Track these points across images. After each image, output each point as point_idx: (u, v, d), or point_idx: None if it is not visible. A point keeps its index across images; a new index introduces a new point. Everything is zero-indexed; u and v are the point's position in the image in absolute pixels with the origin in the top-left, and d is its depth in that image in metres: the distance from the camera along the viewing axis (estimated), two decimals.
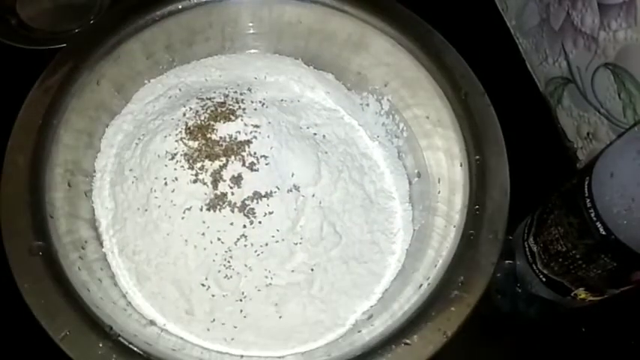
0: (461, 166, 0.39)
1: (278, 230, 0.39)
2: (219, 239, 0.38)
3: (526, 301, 0.42)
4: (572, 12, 0.47)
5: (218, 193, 0.38)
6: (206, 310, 0.38)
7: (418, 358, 0.32)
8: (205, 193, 0.38)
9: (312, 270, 0.39)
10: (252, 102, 0.43)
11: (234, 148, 0.39)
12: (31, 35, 0.56)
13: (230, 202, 0.38)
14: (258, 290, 0.38)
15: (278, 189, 0.39)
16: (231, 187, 0.38)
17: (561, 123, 0.52)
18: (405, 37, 0.42)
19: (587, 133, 0.48)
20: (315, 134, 0.44)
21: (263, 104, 0.44)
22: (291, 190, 0.40)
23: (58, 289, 0.32)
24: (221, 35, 0.47)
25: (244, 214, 0.38)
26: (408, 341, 0.32)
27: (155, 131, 0.41)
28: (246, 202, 0.38)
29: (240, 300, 0.38)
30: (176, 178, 0.38)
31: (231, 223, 0.38)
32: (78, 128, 0.40)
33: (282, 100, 0.46)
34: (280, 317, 0.38)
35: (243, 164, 0.39)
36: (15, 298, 0.32)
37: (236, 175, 0.39)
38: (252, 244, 0.38)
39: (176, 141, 0.40)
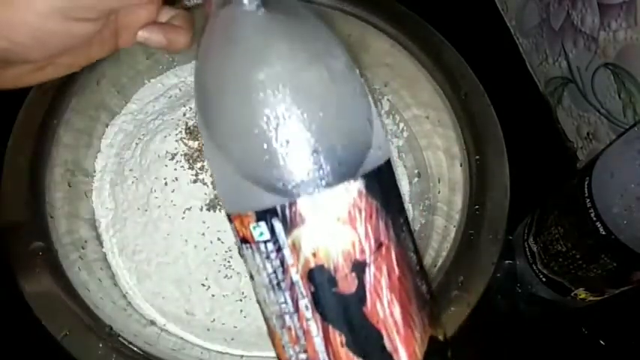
0: (461, 166, 0.39)
1: None
2: (219, 239, 0.38)
3: (526, 301, 0.42)
4: (572, 12, 0.47)
5: None
6: (206, 310, 0.38)
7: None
8: (205, 193, 0.38)
9: None
10: None
11: None
12: None
13: None
14: None
15: None
16: None
17: (561, 123, 0.52)
18: (405, 37, 0.42)
19: (587, 133, 0.48)
20: None
21: None
22: None
23: (58, 289, 0.32)
24: None
25: None
26: None
27: (155, 131, 0.41)
28: None
29: (240, 300, 0.38)
30: (176, 178, 0.38)
31: None
32: (78, 128, 0.40)
33: None
34: None
35: None
36: (15, 298, 0.32)
37: None
38: None
39: (176, 141, 0.40)
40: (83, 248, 0.38)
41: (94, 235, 0.40)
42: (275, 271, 0.20)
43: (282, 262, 0.20)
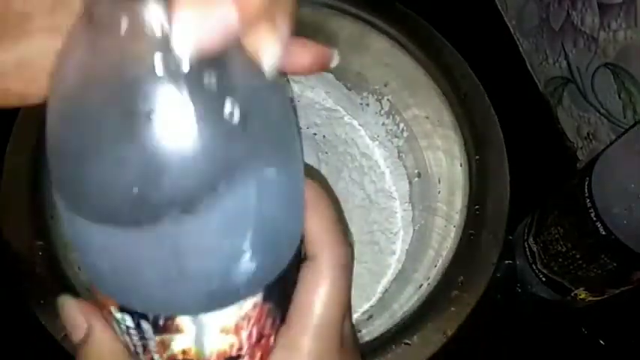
0: (461, 166, 0.39)
1: None
2: None
3: (526, 301, 0.42)
4: (572, 12, 0.47)
5: None
6: None
7: (418, 358, 0.32)
8: None
9: None
10: None
11: None
12: None
13: None
14: None
15: None
16: None
17: (561, 123, 0.52)
18: (405, 37, 0.42)
19: (587, 133, 0.48)
20: (315, 134, 0.44)
21: None
22: None
23: (58, 289, 0.32)
24: None
25: None
26: (408, 341, 0.32)
27: None
28: None
29: None
30: None
31: None
32: None
33: None
34: None
35: None
36: (15, 298, 0.32)
37: None
38: None
39: None
40: None
41: None
42: (135, 348, 0.18)
43: (145, 348, 0.17)
